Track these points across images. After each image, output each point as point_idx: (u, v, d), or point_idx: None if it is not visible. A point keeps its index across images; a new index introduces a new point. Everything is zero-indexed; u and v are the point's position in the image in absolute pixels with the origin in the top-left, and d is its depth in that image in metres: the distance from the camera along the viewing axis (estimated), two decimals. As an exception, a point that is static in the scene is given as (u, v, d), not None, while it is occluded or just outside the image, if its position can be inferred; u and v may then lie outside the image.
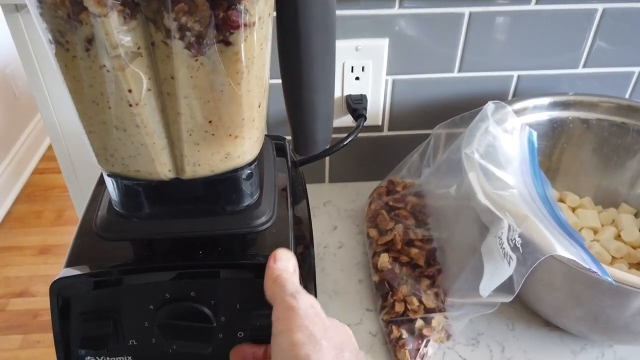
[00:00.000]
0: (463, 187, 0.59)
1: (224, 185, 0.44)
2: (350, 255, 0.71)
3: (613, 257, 0.63)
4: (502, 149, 0.61)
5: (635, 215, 0.69)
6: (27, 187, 2.31)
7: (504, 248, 0.49)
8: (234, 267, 0.43)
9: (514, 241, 0.48)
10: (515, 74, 0.75)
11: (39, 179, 2.35)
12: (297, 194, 0.59)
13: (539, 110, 0.69)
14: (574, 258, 0.44)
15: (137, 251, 0.44)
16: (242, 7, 0.34)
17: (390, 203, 0.70)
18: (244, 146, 0.42)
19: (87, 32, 0.33)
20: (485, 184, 0.55)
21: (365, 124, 0.72)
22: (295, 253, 0.47)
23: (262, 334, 0.42)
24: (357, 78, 0.72)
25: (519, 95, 0.77)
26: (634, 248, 0.64)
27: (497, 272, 0.49)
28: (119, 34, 0.33)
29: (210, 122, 0.39)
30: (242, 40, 0.36)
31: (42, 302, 1.80)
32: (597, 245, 0.63)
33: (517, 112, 0.65)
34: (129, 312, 0.43)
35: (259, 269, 0.40)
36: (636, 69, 0.76)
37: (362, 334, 0.60)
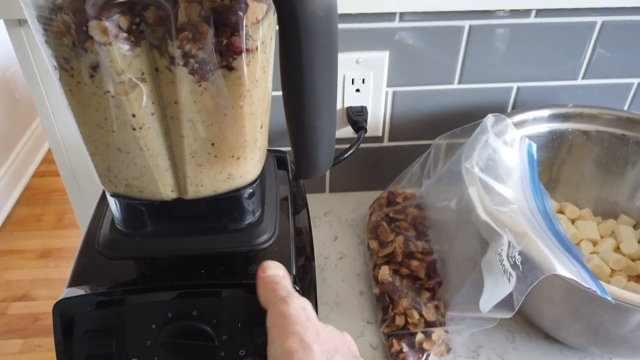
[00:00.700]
0: (463, 201, 0.60)
1: (226, 204, 0.45)
2: (351, 265, 0.71)
3: (612, 270, 0.63)
4: (502, 162, 0.61)
5: (635, 227, 0.69)
6: (28, 190, 2.31)
7: (503, 265, 0.49)
8: (235, 286, 0.43)
9: (513, 258, 0.48)
10: (515, 85, 0.75)
11: (39, 182, 2.36)
12: (298, 206, 0.59)
13: (538, 122, 0.69)
14: (573, 277, 0.44)
15: (139, 270, 0.45)
16: (245, 33, 0.35)
17: (391, 214, 0.71)
18: (247, 166, 0.43)
19: (92, 60, 0.33)
20: (485, 198, 0.55)
21: (366, 134, 0.72)
22: (296, 265, 0.47)
23: (264, 352, 0.42)
24: (357, 90, 0.72)
25: (518, 106, 0.77)
26: (633, 260, 0.64)
27: (497, 288, 0.50)
28: (123, 61, 0.34)
29: (213, 144, 0.40)
30: (245, 64, 0.36)
31: (43, 306, 1.80)
32: (596, 257, 0.64)
33: (517, 125, 0.66)
34: (132, 331, 0.43)
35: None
36: (635, 80, 0.76)
37: (363, 347, 0.60)
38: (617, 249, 0.66)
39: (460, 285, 0.58)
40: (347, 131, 0.75)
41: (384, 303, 0.62)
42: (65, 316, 0.42)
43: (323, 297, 0.66)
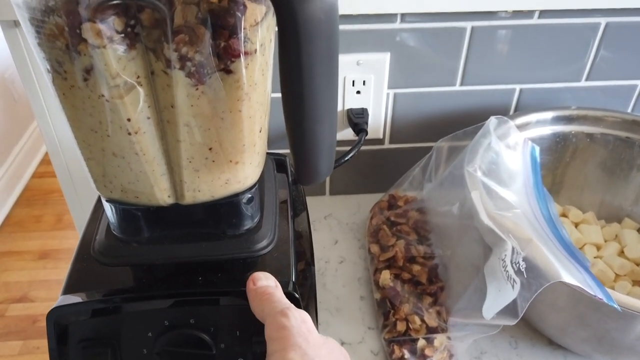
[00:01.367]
0: (466, 206, 0.59)
1: (224, 210, 0.44)
2: (351, 270, 0.70)
3: (617, 275, 0.62)
4: (505, 165, 0.60)
5: (639, 231, 0.68)
6: (27, 191, 2.30)
7: (507, 271, 0.48)
8: (234, 293, 0.42)
9: (518, 265, 0.47)
10: (517, 87, 0.74)
11: (38, 182, 2.35)
12: (298, 210, 0.58)
13: (542, 125, 0.68)
14: (579, 285, 0.43)
15: (136, 277, 0.44)
16: (243, 35, 0.34)
17: (392, 218, 0.70)
18: (245, 171, 0.42)
19: (85, 63, 0.33)
20: (488, 203, 0.54)
21: (367, 137, 0.71)
22: (296, 270, 0.46)
23: (262, 361, 0.41)
24: (358, 92, 0.71)
25: (521, 109, 0.76)
26: (638, 265, 0.63)
27: (500, 294, 0.49)
28: (118, 64, 0.33)
29: (210, 149, 0.39)
30: (244, 67, 0.35)
31: (42, 308, 1.79)
32: (601, 262, 0.63)
33: (520, 127, 0.65)
34: (128, 339, 0.42)
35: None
36: (639, 82, 0.75)
37: (364, 353, 0.60)
38: (622, 254, 0.65)
39: (462, 291, 0.57)
40: (347, 133, 0.74)
41: (385, 308, 0.61)
42: (60, 324, 0.41)
43: (323, 302, 0.65)
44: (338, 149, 0.69)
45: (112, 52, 0.32)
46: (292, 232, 0.50)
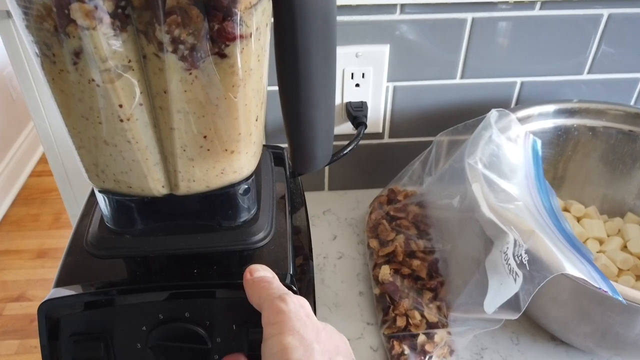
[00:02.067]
0: (466, 199, 0.58)
1: (220, 200, 0.43)
2: (350, 265, 0.69)
3: (620, 269, 0.61)
4: (507, 158, 0.59)
5: (642, 225, 0.68)
6: (25, 189, 2.29)
7: (509, 264, 0.47)
8: (230, 286, 0.41)
9: (520, 257, 0.46)
10: (518, 80, 0.73)
11: (36, 181, 2.34)
12: (296, 204, 0.57)
13: (543, 118, 0.67)
14: (583, 277, 0.42)
15: (129, 269, 0.43)
16: (238, 18, 0.33)
17: (392, 213, 0.69)
18: (241, 161, 0.41)
19: (74, 45, 0.31)
20: (489, 195, 0.53)
21: (366, 131, 0.70)
22: (294, 265, 0.45)
23: (258, 354, 0.40)
24: (357, 85, 0.70)
25: (522, 102, 0.75)
26: (641, 259, 0.63)
27: (502, 288, 0.48)
28: (108, 47, 0.32)
29: (205, 137, 0.38)
30: (239, 52, 0.34)
31: (39, 307, 1.78)
32: (604, 257, 0.62)
33: (522, 120, 0.64)
34: (121, 333, 0.41)
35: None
36: (642, 75, 0.75)
37: (363, 349, 0.59)
38: (624, 248, 0.64)
39: (463, 286, 0.56)
40: (346, 127, 0.73)
41: (384, 304, 0.60)
42: (51, 318, 0.40)
43: (322, 297, 0.64)
44: (336, 143, 0.67)
45: (102, 34, 0.31)
46: (290, 226, 0.49)
